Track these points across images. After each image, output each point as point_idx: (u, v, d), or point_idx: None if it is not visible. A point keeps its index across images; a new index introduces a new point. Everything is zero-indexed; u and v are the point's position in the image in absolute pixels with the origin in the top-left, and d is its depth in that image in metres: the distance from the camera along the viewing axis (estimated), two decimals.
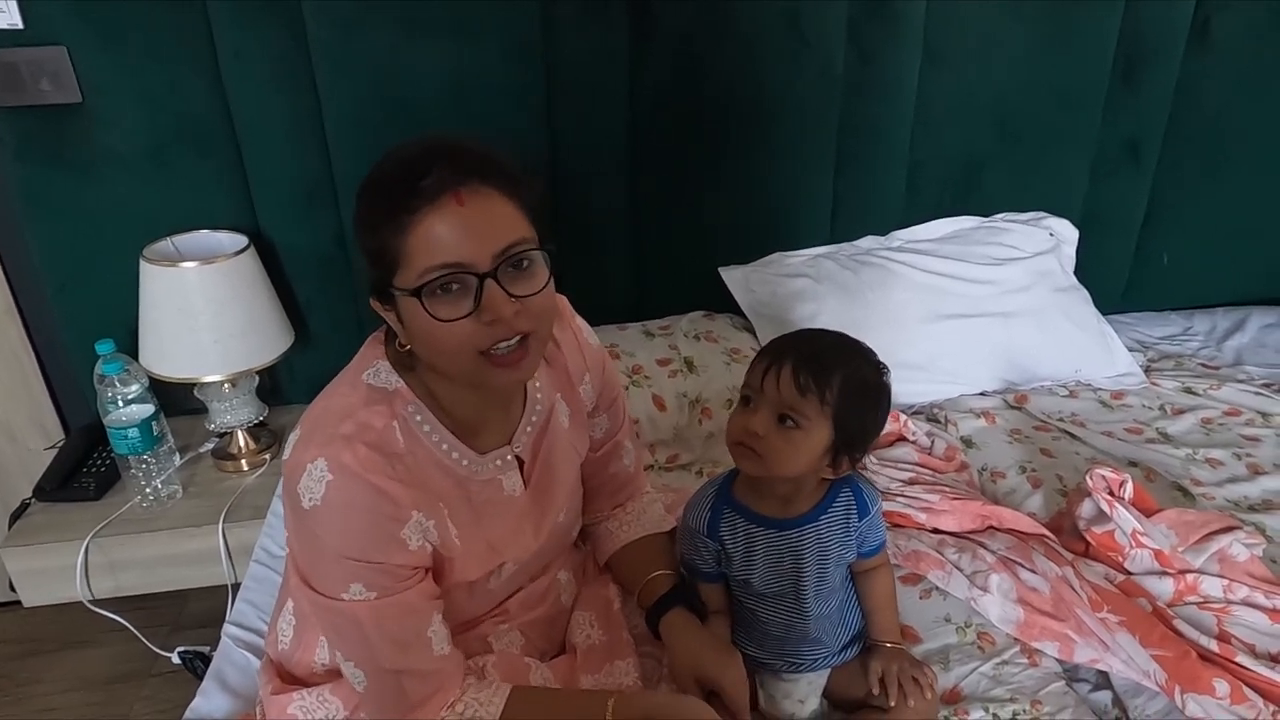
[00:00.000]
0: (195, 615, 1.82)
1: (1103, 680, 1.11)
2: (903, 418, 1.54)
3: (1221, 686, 1.02)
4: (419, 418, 0.88)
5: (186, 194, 1.60)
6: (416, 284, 0.79)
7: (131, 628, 1.63)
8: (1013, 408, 1.68)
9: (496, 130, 1.62)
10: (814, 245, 1.84)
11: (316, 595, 0.85)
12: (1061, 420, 1.63)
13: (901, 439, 1.53)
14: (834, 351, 0.96)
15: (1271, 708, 1.01)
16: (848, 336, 1.00)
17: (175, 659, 1.55)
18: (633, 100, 1.67)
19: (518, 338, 0.82)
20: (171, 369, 1.53)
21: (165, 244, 1.56)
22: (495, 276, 0.79)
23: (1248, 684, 1.03)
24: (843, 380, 0.93)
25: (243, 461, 1.66)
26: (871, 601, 1.07)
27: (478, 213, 0.79)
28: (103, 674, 1.74)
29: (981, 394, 1.71)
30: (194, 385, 1.58)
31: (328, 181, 1.62)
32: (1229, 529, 1.25)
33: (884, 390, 0.98)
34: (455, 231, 0.78)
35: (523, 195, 0.82)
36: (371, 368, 0.89)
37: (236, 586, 1.39)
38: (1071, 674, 1.12)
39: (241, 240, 1.57)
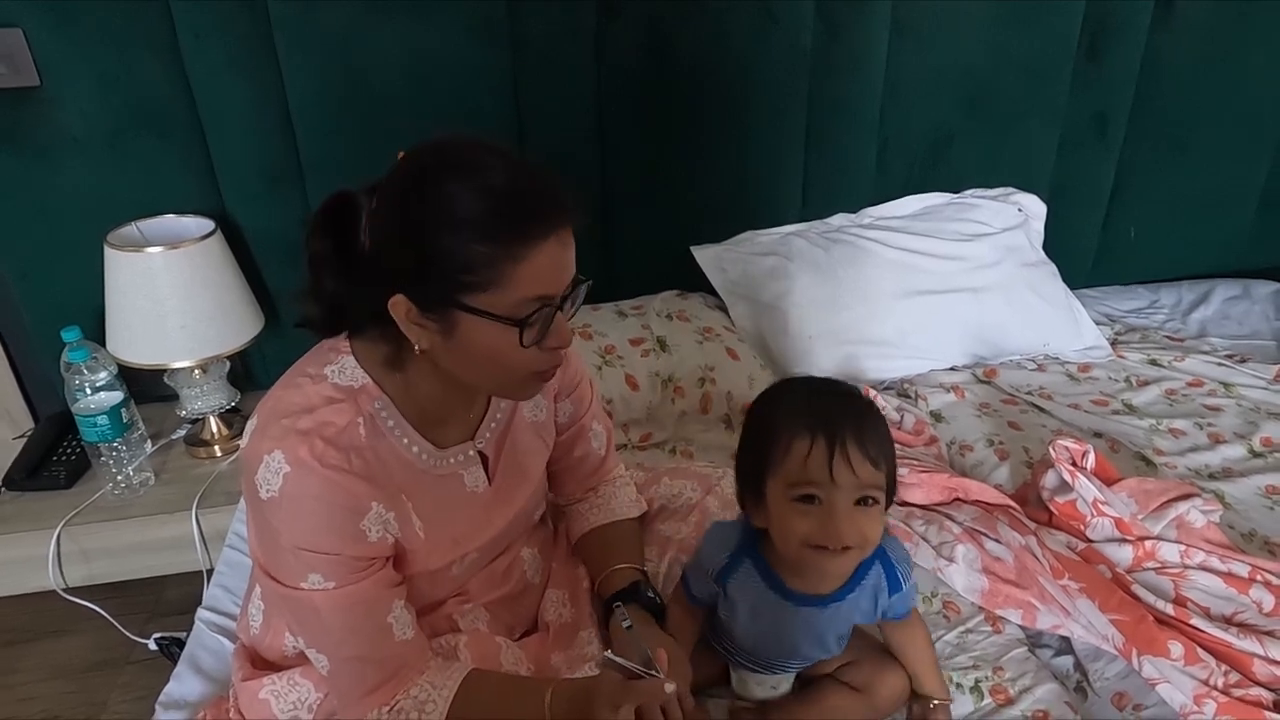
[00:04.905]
0: (173, 601, 1.81)
1: (1064, 645, 1.14)
2: (872, 393, 1.55)
3: (1176, 648, 1.05)
4: (384, 413, 0.88)
5: (150, 178, 1.58)
6: (523, 313, 0.80)
7: (108, 616, 1.62)
8: (982, 382, 1.70)
9: (464, 111, 1.61)
10: (786, 223, 1.84)
11: (276, 584, 0.85)
12: (1029, 393, 1.66)
13: None
14: (859, 409, 0.88)
15: (1223, 667, 1.04)
16: (837, 383, 0.94)
17: (152, 645, 1.55)
18: (601, 79, 1.66)
19: None
20: (139, 355, 1.52)
21: (130, 229, 1.54)
22: (561, 307, 0.83)
23: (1201, 645, 1.06)
24: (885, 433, 0.87)
25: (215, 447, 1.66)
26: (913, 665, 1.01)
27: (568, 247, 0.82)
28: (81, 662, 1.73)
29: (951, 369, 1.74)
30: (164, 371, 1.57)
31: (294, 163, 1.61)
32: (1187, 496, 1.28)
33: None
34: (559, 264, 0.81)
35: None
36: (335, 364, 0.87)
37: (212, 572, 1.39)
38: (1034, 640, 1.15)
39: (208, 225, 1.55)
